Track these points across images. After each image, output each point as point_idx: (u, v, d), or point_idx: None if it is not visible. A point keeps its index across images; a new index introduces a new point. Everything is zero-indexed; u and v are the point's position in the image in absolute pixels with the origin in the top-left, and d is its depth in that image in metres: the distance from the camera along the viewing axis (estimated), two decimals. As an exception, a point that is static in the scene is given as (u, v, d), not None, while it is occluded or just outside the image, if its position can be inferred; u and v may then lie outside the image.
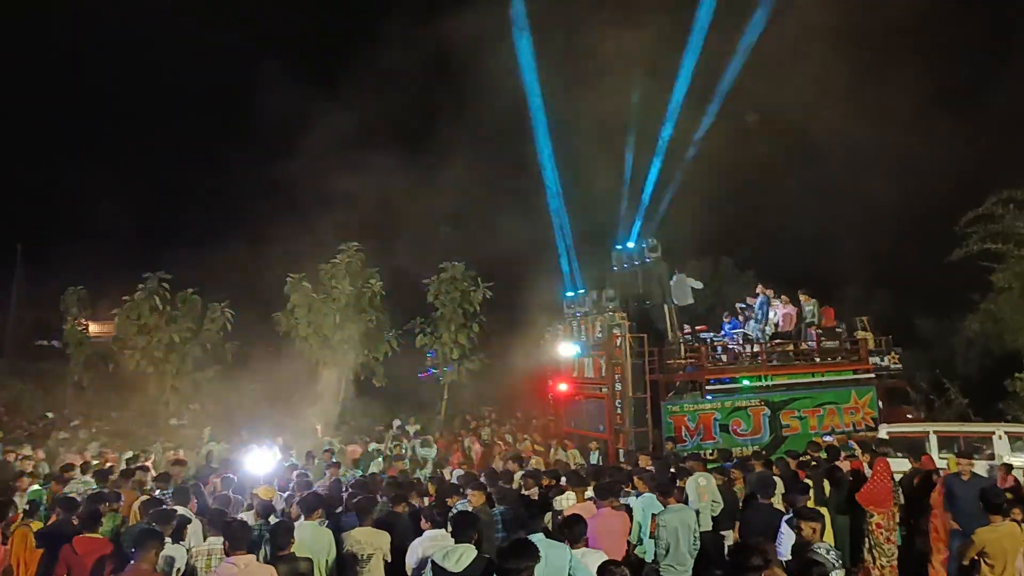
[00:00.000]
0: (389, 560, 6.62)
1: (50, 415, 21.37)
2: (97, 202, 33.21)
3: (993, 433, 12.16)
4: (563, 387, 17.41)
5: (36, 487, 10.24)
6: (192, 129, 48.28)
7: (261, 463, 11.67)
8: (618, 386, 14.92)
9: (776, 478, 8.35)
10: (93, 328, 26.21)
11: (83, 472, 10.99)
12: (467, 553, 5.38)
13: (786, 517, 6.84)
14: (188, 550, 6.50)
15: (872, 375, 15.89)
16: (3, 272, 33.82)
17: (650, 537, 7.31)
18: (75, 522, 6.88)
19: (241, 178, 41.24)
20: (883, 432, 13.05)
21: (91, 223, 32.50)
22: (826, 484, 8.84)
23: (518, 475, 9.82)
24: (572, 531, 5.48)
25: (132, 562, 5.38)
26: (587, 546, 5.56)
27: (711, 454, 13.05)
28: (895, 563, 8.31)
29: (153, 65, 48.69)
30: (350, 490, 8.87)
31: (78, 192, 39.35)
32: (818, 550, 5.27)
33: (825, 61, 20.09)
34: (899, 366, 16.98)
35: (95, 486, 10.08)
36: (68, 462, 12.22)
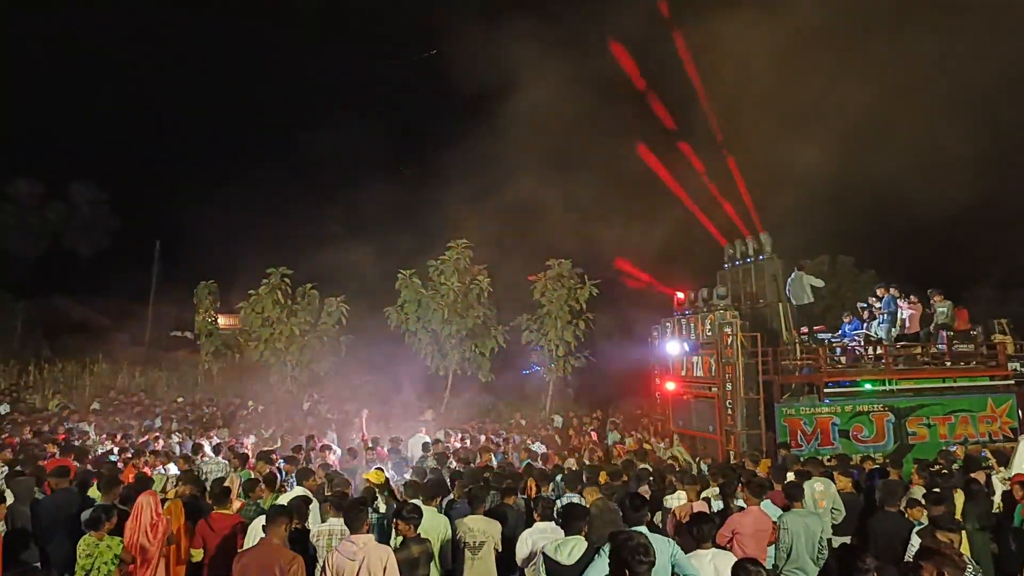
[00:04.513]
0: (499, 550, 6.70)
1: (180, 399, 22.91)
2: (226, 203, 35.57)
3: None
4: (671, 386, 17.09)
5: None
6: (312, 134, 50.58)
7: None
8: (729, 386, 14.49)
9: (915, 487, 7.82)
10: (221, 320, 28.02)
11: (216, 453, 11.72)
12: (578, 546, 5.36)
13: (917, 528, 6.45)
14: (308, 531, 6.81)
15: (1012, 382, 14.67)
16: (143, 268, 36.85)
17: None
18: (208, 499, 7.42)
19: (357, 180, 42.86)
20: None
21: (221, 223, 34.72)
22: (961, 496, 8.20)
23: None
24: (700, 530, 5.34)
25: (263, 536, 5.73)
26: (717, 546, 5.37)
27: (829, 460, 12.43)
28: None
29: (288, 74, 51.25)
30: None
31: (210, 194, 42.10)
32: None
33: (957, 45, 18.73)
34: (1044, 373, 15.60)
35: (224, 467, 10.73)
36: (198, 443, 13.09)
